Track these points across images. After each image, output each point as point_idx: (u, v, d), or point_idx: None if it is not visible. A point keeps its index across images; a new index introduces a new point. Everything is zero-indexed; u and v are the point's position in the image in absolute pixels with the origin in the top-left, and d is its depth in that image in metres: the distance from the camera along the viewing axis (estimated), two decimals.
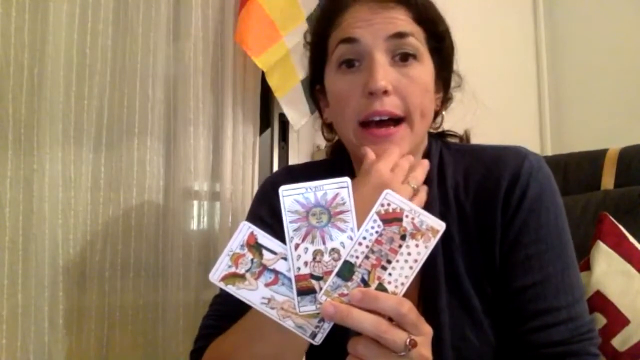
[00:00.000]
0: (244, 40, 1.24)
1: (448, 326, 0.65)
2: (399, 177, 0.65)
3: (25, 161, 1.03)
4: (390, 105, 0.67)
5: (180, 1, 1.24)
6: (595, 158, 1.22)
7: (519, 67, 1.96)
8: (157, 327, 1.16)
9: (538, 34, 1.99)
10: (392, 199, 0.50)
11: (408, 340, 0.48)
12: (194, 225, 1.26)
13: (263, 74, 1.30)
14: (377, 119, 0.67)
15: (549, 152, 1.90)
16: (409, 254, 0.50)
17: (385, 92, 0.66)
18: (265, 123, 1.43)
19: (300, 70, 1.32)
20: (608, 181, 1.17)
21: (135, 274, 1.14)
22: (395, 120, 0.68)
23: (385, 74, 0.66)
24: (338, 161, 0.81)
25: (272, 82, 1.30)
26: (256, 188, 1.29)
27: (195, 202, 1.26)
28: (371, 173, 0.64)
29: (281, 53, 1.29)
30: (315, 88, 0.80)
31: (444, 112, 0.79)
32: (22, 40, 1.03)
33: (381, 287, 0.50)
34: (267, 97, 1.38)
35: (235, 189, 1.28)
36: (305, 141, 1.48)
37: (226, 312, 0.72)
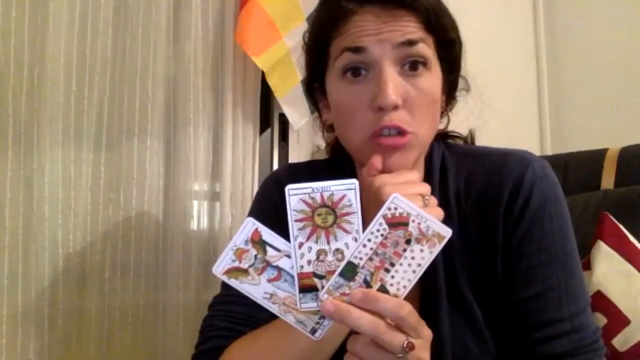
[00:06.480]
0: (244, 40, 1.24)
1: (448, 336, 0.65)
2: (408, 190, 0.62)
3: (25, 161, 1.03)
4: (398, 119, 0.64)
5: (180, 1, 1.24)
6: (595, 158, 1.22)
7: (519, 67, 1.96)
8: (157, 327, 1.16)
9: (538, 34, 1.99)
10: (400, 203, 0.50)
11: (406, 342, 0.48)
12: (194, 226, 1.26)
13: (263, 74, 1.30)
14: (386, 132, 0.65)
15: (549, 152, 1.90)
16: (412, 258, 0.50)
17: (395, 107, 0.64)
18: (265, 123, 1.43)
19: (300, 70, 1.32)
20: (608, 181, 1.17)
21: (135, 274, 1.14)
22: (402, 131, 0.65)
23: (395, 87, 0.63)
24: (338, 161, 0.80)
25: (272, 82, 1.29)
26: (256, 188, 1.29)
27: (195, 202, 1.26)
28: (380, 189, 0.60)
29: (281, 53, 1.29)
30: (313, 87, 0.77)
31: (449, 114, 0.77)
32: (22, 40, 1.03)
33: (383, 289, 0.50)
34: (267, 97, 1.38)
35: (235, 189, 1.28)
36: (305, 141, 1.48)
37: (239, 314, 0.71)
